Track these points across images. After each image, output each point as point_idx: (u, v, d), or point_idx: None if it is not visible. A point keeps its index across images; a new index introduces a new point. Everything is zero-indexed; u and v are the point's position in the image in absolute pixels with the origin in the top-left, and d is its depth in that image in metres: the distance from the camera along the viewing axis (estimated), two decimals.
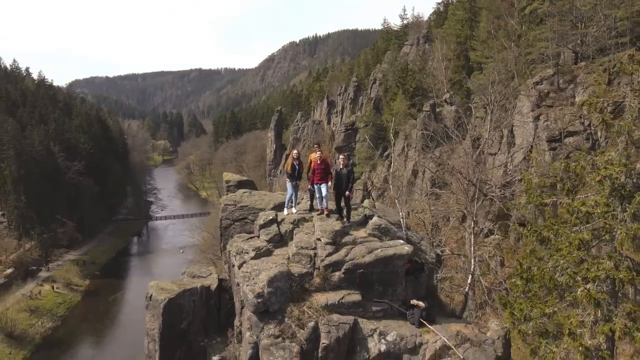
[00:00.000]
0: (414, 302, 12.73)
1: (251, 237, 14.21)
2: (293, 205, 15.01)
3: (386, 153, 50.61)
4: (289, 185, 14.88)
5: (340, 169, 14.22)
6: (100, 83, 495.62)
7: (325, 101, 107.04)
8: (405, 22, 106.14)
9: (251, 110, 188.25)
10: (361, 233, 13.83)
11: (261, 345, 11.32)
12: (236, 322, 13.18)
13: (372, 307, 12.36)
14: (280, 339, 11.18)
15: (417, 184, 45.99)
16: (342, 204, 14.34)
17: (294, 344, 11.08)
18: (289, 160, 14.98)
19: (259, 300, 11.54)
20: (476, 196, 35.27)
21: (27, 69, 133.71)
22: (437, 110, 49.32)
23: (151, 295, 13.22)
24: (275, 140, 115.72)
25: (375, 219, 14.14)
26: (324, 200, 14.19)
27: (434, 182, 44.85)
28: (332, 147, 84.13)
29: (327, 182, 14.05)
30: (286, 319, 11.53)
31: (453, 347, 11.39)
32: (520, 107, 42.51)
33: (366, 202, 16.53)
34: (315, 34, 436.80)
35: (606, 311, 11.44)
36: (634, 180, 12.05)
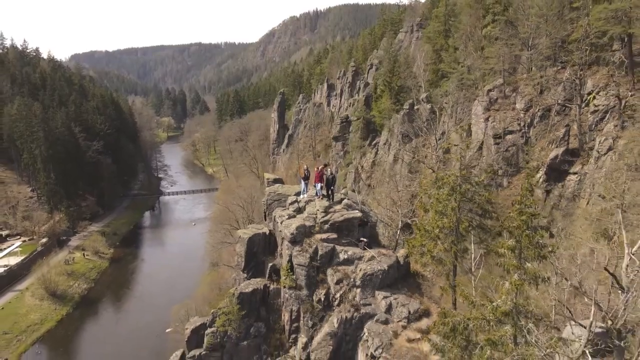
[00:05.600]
0: (361, 239, 29.42)
1: (285, 209, 31.00)
2: (304, 193, 31.59)
3: (374, 142, 66.63)
4: (302, 183, 31.45)
5: (328, 175, 30.56)
6: (100, 57, 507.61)
7: (325, 84, 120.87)
8: (400, 8, 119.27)
9: (254, 88, 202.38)
10: (338, 207, 30.47)
11: (293, 254, 28.12)
12: (279, 249, 30.03)
13: (342, 241, 29.11)
14: (301, 252, 27.98)
15: (397, 169, 62.32)
16: (329, 192, 30.82)
17: (307, 254, 27.86)
18: (301, 171, 31.49)
19: (292, 235, 28.26)
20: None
21: (36, 49, 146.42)
22: (415, 107, 65.04)
23: (239, 236, 30.03)
24: (278, 121, 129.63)
25: (345, 200, 30.86)
26: (320, 191, 30.73)
27: (410, 168, 61.05)
28: (331, 130, 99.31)
29: (322, 183, 30.50)
30: (304, 244, 28.28)
31: (375, 256, 28.12)
32: (475, 110, 58.42)
33: (343, 191, 33.15)
34: (316, 8, 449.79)
35: (443, 239, 28.10)
36: (461, 183, 28.53)
